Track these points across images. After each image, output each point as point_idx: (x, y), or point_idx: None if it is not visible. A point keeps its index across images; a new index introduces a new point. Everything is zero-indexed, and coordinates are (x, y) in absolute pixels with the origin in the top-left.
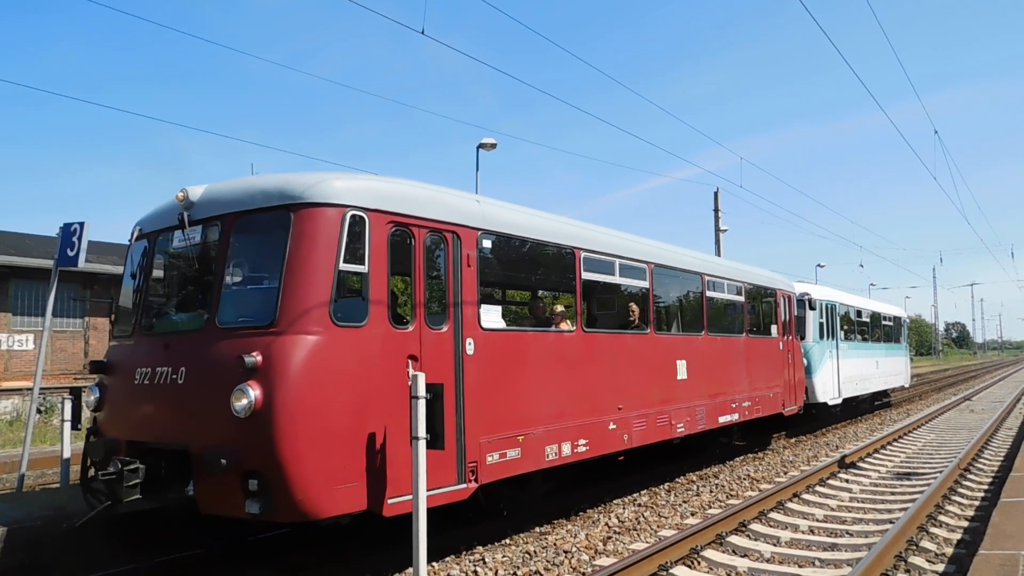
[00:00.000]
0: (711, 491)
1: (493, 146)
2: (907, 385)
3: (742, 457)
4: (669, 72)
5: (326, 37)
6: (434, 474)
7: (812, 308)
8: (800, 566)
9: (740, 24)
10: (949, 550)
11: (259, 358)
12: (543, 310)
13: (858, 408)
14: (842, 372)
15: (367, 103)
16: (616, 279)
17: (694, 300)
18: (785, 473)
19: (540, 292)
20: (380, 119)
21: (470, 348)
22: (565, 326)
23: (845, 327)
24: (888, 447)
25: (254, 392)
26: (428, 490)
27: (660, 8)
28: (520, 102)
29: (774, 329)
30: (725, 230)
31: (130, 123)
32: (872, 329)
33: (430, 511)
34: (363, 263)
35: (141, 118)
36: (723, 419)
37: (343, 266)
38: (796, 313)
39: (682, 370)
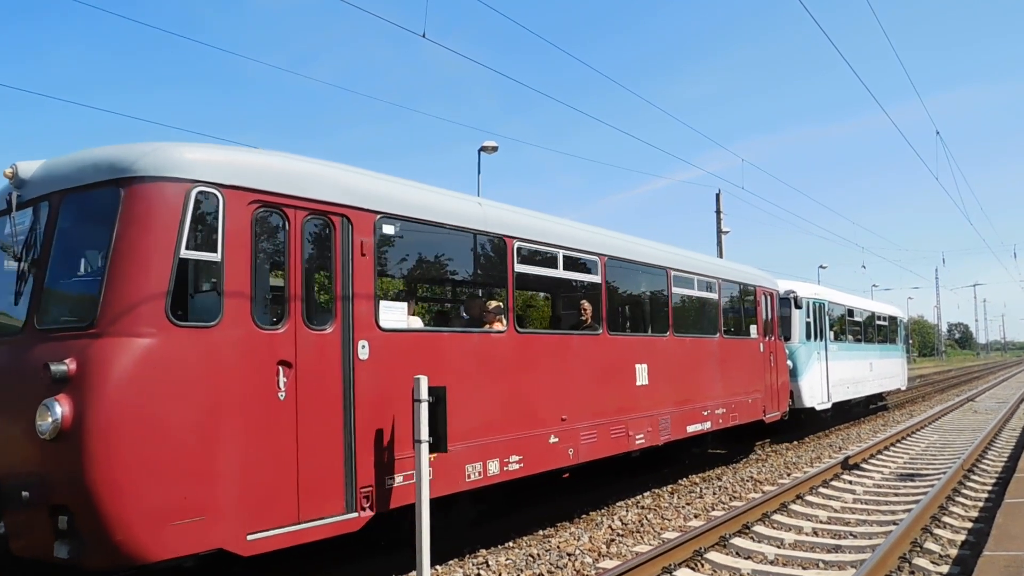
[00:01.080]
0: (714, 493)
1: (494, 149)
2: (903, 388)
3: (744, 459)
4: (670, 74)
5: (327, 40)
6: (311, 502)
7: (798, 307)
8: (804, 568)
9: (741, 25)
10: (953, 551)
11: (71, 366)
12: (479, 308)
13: (851, 412)
14: (832, 375)
15: (368, 106)
16: (560, 273)
17: (658, 298)
18: (788, 475)
19: (460, 288)
20: (381, 122)
21: (363, 352)
22: (499, 326)
23: (836, 327)
24: (891, 448)
25: (61, 408)
26: (302, 522)
27: (660, 10)
28: (522, 104)
29: (753, 329)
30: (727, 232)
31: (129, 126)
32: (866, 329)
33: (316, 544)
34: (215, 250)
35: (140, 121)
36: (692, 428)
37: (185, 253)
38: (780, 312)
39: (642, 375)
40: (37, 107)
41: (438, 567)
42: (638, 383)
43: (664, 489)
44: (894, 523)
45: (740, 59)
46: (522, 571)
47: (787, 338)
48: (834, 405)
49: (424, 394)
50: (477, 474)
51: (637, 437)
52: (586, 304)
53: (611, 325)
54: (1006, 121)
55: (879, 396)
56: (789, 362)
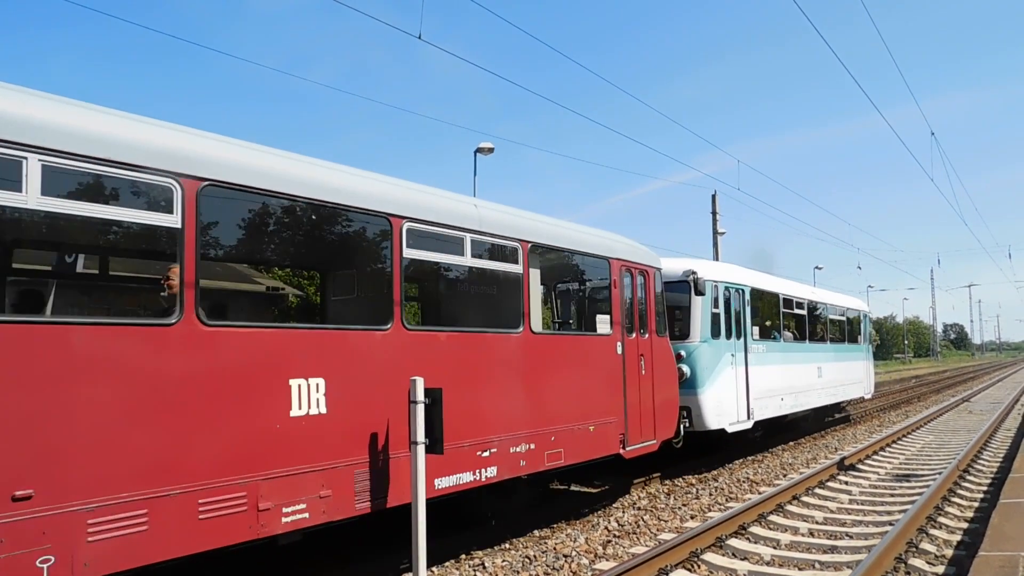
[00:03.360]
0: (710, 494)
1: (490, 150)
2: (868, 395)
3: (741, 460)
4: (667, 77)
5: (323, 43)
6: None
7: (699, 293)
8: (800, 569)
9: (739, 30)
10: (949, 552)
11: None
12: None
13: (797, 429)
14: (755, 384)
15: (365, 108)
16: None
17: (372, 265)
18: (784, 476)
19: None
20: (378, 124)
21: None
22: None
23: (764, 322)
24: (887, 449)
25: None
26: None
27: (658, 15)
28: (519, 107)
29: (604, 322)
30: (723, 233)
31: None
32: (813, 326)
33: None
34: None
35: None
36: (447, 482)
37: None
38: (668, 300)
39: (312, 397)
40: None
41: (434, 569)
42: (297, 412)
43: (660, 490)
44: (890, 524)
45: (738, 63)
46: (518, 573)
47: (683, 335)
48: (760, 424)
49: (420, 396)
50: None
51: (278, 510)
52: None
53: (247, 312)
54: (1000, 123)
55: (836, 407)
56: (684, 368)
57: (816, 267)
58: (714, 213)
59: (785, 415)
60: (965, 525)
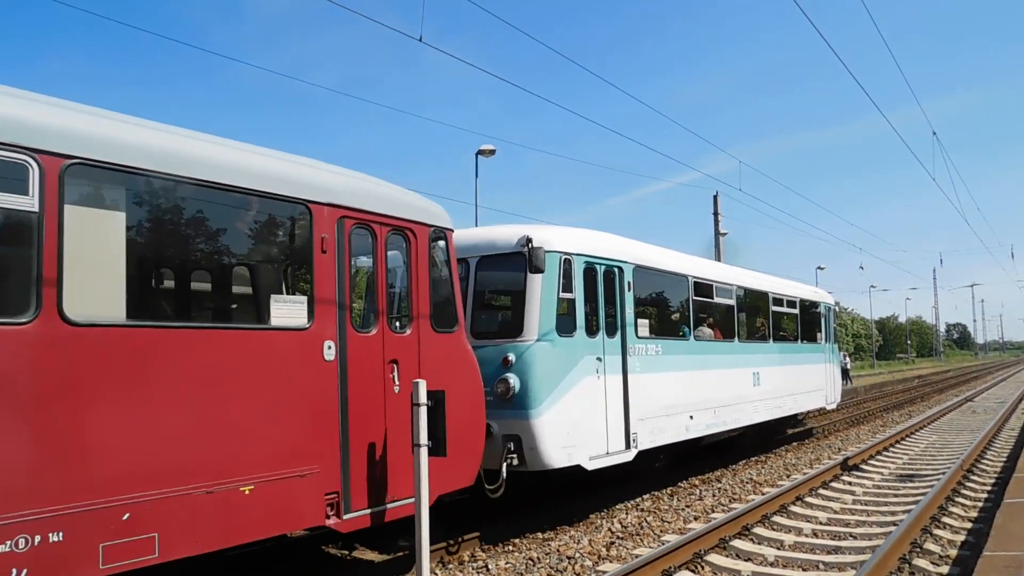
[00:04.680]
0: (714, 495)
1: (492, 152)
2: (830, 406)
3: (744, 461)
4: (669, 78)
5: (324, 46)
6: None
7: (537, 270)
8: (804, 570)
9: (740, 30)
10: (953, 552)
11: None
12: None
13: (726, 455)
14: (641, 399)
15: (367, 111)
16: None
17: None
18: (788, 476)
19: None
20: (379, 127)
21: None
22: None
23: (668, 313)
24: (891, 449)
25: None
26: None
27: (659, 15)
28: (520, 108)
29: (288, 307)
30: (725, 234)
31: None
32: (750, 319)
33: None
34: None
35: None
36: None
37: None
38: (439, 275)
39: None
40: None
41: (438, 571)
42: None
43: (663, 491)
44: (894, 524)
45: (738, 63)
46: (522, 574)
47: (513, 331)
48: (658, 452)
49: (423, 398)
50: None
51: None
52: None
53: None
54: (1003, 122)
55: (788, 420)
56: (511, 378)
57: (818, 267)
58: (716, 214)
59: (700, 437)
60: (969, 525)
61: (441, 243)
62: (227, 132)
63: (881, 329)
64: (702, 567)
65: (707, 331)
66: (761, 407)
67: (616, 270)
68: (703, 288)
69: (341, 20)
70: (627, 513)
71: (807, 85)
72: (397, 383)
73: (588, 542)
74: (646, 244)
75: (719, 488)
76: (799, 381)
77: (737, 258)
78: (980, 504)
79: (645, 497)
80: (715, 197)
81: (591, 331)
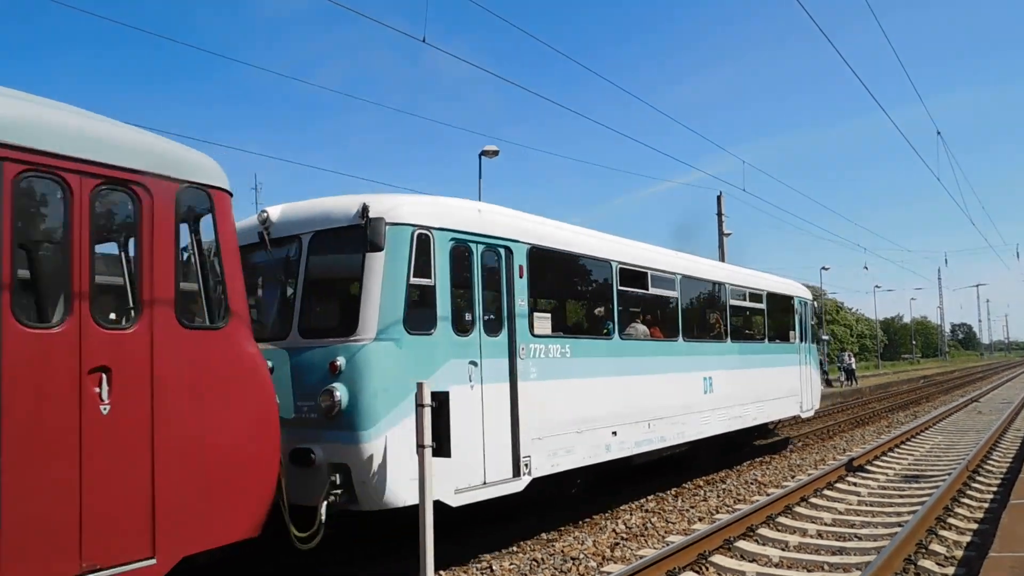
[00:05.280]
0: (718, 496)
1: (495, 153)
2: (806, 413)
3: (749, 462)
4: (673, 78)
5: (328, 47)
6: None
7: (376, 247)
8: (809, 571)
9: (743, 31)
10: (959, 553)
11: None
12: None
13: (667, 473)
14: (537, 412)
15: (370, 112)
16: None
17: None
18: (793, 477)
19: None
20: (383, 128)
21: None
22: None
23: (565, 306)
24: (896, 450)
25: None
26: None
27: (663, 15)
28: (524, 109)
29: None
30: (728, 234)
31: None
32: (702, 314)
33: None
34: None
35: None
36: None
37: None
38: (209, 255)
39: None
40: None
41: (442, 572)
42: None
43: (668, 492)
44: (899, 525)
45: (741, 63)
46: (526, 575)
47: (344, 327)
48: (559, 478)
49: (427, 399)
50: None
51: None
52: None
53: None
54: (1007, 121)
55: (755, 432)
56: (339, 390)
57: (823, 267)
58: (720, 214)
59: (629, 457)
60: (975, 526)
61: (202, 205)
62: (228, 132)
63: (886, 329)
64: (707, 568)
65: (641, 328)
66: (714, 418)
67: (502, 251)
68: (633, 277)
69: (344, 22)
70: (631, 514)
71: (810, 85)
72: (106, 401)
73: (592, 543)
74: (549, 220)
75: (724, 489)
76: (766, 386)
77: (741, 258)
78: (986, 505)
79: (649, 498)
80: (719, 197)
81: (461, 328)
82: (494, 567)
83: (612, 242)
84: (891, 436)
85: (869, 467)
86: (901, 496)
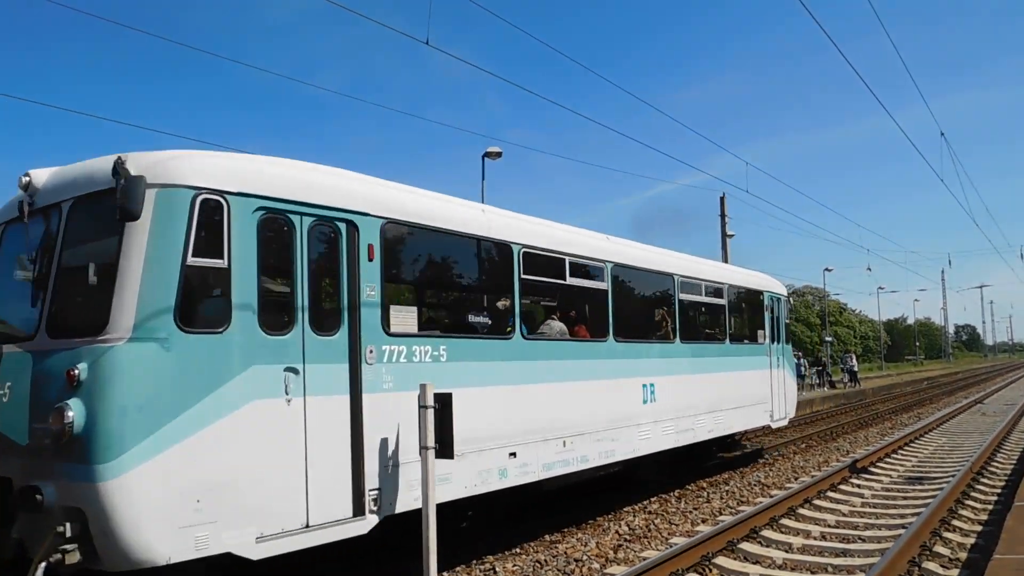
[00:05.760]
0: (721, 498)
1: (498, 155)
2: (778, 423)
3: (752, 464)
4: (676, 79)
5: (331, 49)
6: None
7: (129, 216)
8: (812, 573)
9: (746, 32)
10: (963, 555)
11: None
12: None
13: (609, 495)
14: (390, 433)
15: (373, 114)
16: None
17: None
18: (796, 479)
19: None
20: (386, 130)
21: None
22: None
23: (444, 297)
24: (900, 451)
25: None
26: None
27: (666, 16)
28: (527, 111)
29: None
30: (731, 235)
31: (132, 135)
32: (628, 309)
33: None
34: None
35: (144, 131)
36: None
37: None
38: None
39: None
40: (37, 118)
41: (445, 574)
42: None
43: (671, 494)
44: (903, 527)
45: (745, 64)
46: None
47: (98, 325)
48: (417, 514)
49: (430, 400)
50: None
51: None
52: None
53: None
54: (1012, 123)
55: (714, 445)
56: (72, 408)
57: (826, 269)
58: (723, 216)
59: (538, 482)
60: (979, 528)
61: None
62: (229, 131)
63: (890, 331)
64: (710, 570)
65: (557, 326)
66: (657, 431)
67: (342, 225)
68: (544, 264)
69: (348, 24)
70: (634, 516)
71: (814, 86)
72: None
73: (595, 545)
74: (418, 189)
75: (727, 491)
76: (726, 393)
77: (743, 258)
78: (990, 507)
79: (652, 500)
80: (722, 199)
81: (272, 324)
82: (497, 568)
83: (510, 219)
84: (895, 438)
85: (873, 469)
86: (905, 498)
